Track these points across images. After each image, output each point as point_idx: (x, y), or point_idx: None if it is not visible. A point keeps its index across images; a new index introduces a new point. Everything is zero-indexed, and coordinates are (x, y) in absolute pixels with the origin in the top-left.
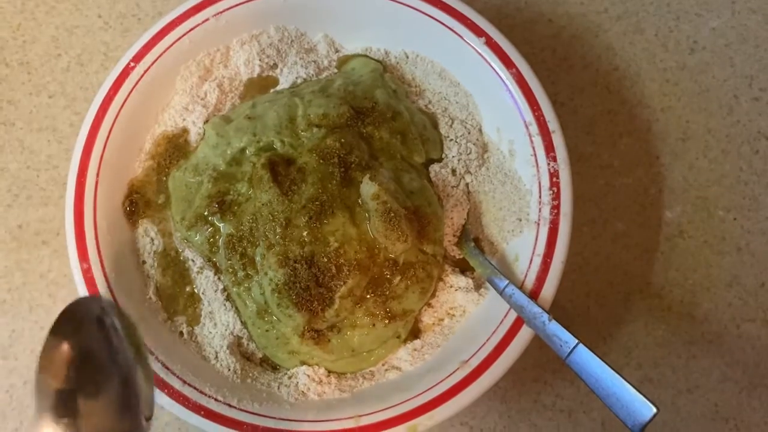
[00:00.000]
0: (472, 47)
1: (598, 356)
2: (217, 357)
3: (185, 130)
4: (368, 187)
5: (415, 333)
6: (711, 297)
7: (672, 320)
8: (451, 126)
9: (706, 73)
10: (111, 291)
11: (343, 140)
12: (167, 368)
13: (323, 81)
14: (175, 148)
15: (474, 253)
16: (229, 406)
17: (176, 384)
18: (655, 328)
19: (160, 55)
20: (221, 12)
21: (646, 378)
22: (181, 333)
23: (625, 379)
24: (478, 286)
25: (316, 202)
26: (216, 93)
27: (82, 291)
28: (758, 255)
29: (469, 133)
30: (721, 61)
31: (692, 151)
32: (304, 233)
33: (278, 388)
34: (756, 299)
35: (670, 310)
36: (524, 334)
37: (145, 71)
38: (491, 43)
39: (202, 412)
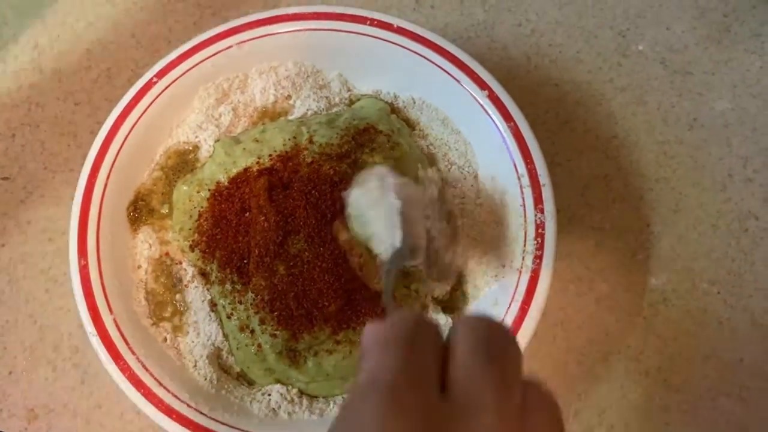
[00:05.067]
0: (476, 99)
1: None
2: (195, 365)
3: (196, 147)
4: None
5: None
6: (688, 367)
7: (648, 385)
8: (449, 171)
9: (702, 149)
10: (103, 288)
11: (337, 168)
12: (145, 369)
13: (331, 114)
14: (184, 163)
15: (389, 278)
16: (200, 413)
17: (152, 385)
18: (630, 391)
19: (182, 74)
20: (244, 41)
21: None
22: (165, 338)
23: None
24: None
25: (307, 227)
26: (230, 115)
27: (77, 285)
28: (738, 331)
29: (464, 178)
30: (718, 140)
31: (683, 222)
32: (292, 255)
33: (250, 402)
34: (733, 374)
35: (647, 375)
36: None
37: (167, 87)
38: (493, 97)
39: (174, 416)
